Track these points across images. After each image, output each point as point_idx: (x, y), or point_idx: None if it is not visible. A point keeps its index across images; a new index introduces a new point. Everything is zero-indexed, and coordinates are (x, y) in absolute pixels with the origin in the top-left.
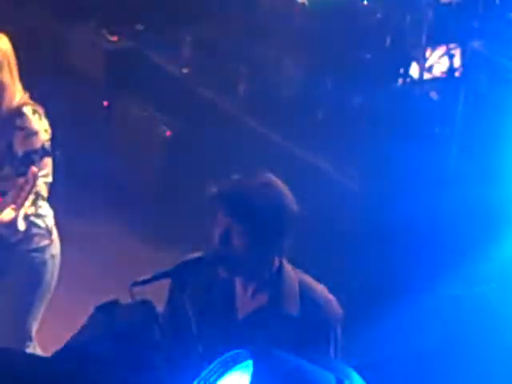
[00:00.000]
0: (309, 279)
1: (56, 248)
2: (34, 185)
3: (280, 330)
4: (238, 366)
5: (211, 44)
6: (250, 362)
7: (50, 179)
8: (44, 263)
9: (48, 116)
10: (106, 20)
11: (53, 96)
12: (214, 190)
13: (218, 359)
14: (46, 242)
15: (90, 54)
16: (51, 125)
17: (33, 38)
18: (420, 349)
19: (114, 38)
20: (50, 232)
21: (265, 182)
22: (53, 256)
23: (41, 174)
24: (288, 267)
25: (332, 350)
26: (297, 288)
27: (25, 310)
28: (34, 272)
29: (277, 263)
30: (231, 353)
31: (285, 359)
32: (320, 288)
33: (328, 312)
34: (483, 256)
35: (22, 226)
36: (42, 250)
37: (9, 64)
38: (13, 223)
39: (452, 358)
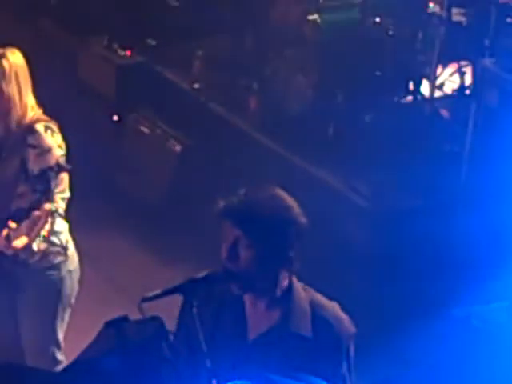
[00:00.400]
0: (320, 297)
1: (73, 263)
2: (46, 220)
3: (292, 349)
4: None
5: (222, 59)
6: None
7: (67, 194)
8: (61, 280)
9: (61, 130)
10: (117, 35)
11: (64, 110)
12: (221, 204)
13: None
14: (61, 258)
15: (101, 68)
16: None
17: (44, 52)
18: (432, 368)
19: (126, 53)
20: (65, 248)
21: (272, 195)
22: (70, 272)
23: (57, 190)
24: (298, 285)
25: (345, 369)
26: (308, 306)
27: (48, 327)
28: (52, 289)
29: (287, 281)
30: None
31: None
32: (331, 306)
33: (340, 330)
34: (495, 274)
35: (36, 247)
36: (58, 267)
37: (17, 78)
38: (27, 247)
39: (464, 378)
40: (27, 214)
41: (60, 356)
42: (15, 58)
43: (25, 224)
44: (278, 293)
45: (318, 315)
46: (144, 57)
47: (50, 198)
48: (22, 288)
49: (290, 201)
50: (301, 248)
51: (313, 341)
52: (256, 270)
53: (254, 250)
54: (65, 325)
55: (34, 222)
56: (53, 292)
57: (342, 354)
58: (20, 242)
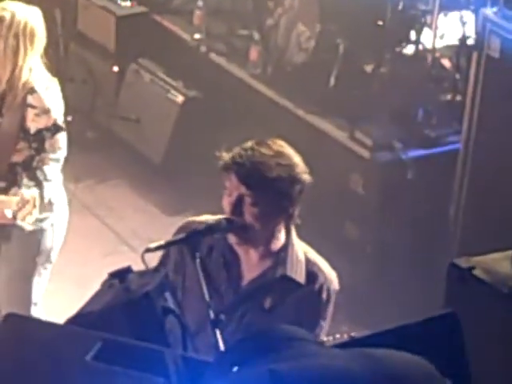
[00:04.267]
0: (313, 253)
1: (58, 217)
2: (35, 205)
3: (284, 292)
4: None
5: (223, 10)
6: None
7: (61, 154)
8: (42, 232)
9: (60, 82)
10: None
11: (64, 60)
12: (227, 157)
13: None
14: (45, 213)
15: (101, 19)
16: (63, 91)
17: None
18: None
19: (127, 3)
20: (50, 204)
21: (277, 151)
22: (52, 225)
23: (51, 149)
24: (296, 240)
25: (327, 320)
26: (303, 256)
27: (26, 278)
28: (32, 240)
29: (284, 234)
30: None
31: None
32: (323, 262)
33: (330, 285)
34: None
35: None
36: (41, 220)
37: (22, 36)
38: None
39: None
40: (23, 169)
41: (36, 311)
42: (24, 17)
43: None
44: (273, 246)
45: (310, 267)
46: (145, 7)
47: (42, 157)
48: (6, 237)
49: (296, 158)
50: (304, 202)
51: (303, 288)
52: (257, 224)
53: (257, 208)
54: (44, 281)
55: (24, 204)
56: (32, 243)
57: (327, 308)
58: (5, 216)
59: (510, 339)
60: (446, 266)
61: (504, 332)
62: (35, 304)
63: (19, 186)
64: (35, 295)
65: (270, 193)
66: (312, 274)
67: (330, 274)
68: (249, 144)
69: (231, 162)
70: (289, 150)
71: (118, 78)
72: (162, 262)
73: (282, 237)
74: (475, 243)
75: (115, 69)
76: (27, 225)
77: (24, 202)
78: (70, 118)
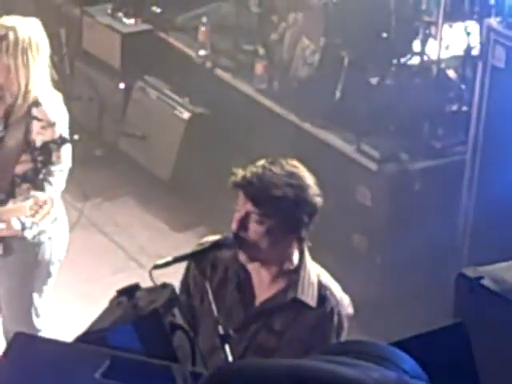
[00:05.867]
0: (326, 275)
1: (56, 230)
2: (52, 206)
3: (295, 315)
4: None
5: (228, 25)
6: None
7: (66, 166)
8: (39, 244)
9: (66, 101)
10: (122, 3)
11: (69, 79)
12: (239, 175)
13: None
14: (44, 227)
15: (106, 37)
16: (68, 108)
17: (49, 22)
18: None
19: (131, 21)
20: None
21: (290, 172)
22: (50, 238)
23: (57, 161)
24: (309, 261)
25: None
26: (315, 279)
27: (26, 292)
28: (31, 254)
29: (296, 255)
30: None
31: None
32: (335, 285)
33: (341, 309)
34: None
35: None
36: (39, 233)
37: (25, 50)
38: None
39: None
40: (22, 180)
41: (38, 324)
42: (27, 30)
43: (29, 207)
44: (286, 266)
45: (322, 292)
46: (149, 24)
47: (49, 170)
48: (6, 250)
49: (308, 179)
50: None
51: (314, 311)
52: (264, 243)
53: (263, 226)
54: (46, 293)
55: (40, 206)
56: (31, 256)
57: (338, 332)
58: (14, 225)
59: None
60: (455, 276)
61: None
62: (38, 316)
63: (14, 197)
64: (39, 309)
65: (276, 212)
66: (324, 297)
67: (341, 299)
68: (261, 162)
69: (241, 178)
70: (302, 172)
71: (124, 95)
72: (183, 283)
73: (295, 258)
74: (484, 253)
75: (121, 86)
76: (31, 234)
77: (41, 204)
78: (77, 137)
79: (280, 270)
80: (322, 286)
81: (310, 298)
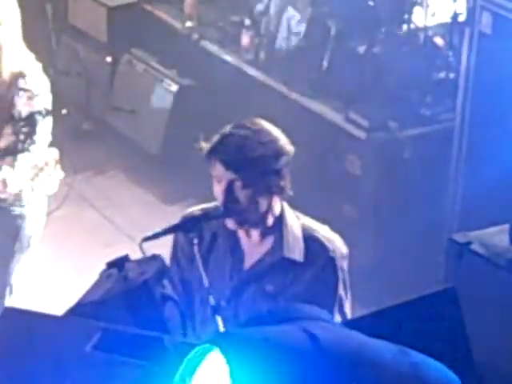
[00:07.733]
0: (311, 221)
1: (39, 204)
2: (55, 169)
3: (287, 273)
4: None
5: None
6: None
7: (48, 138)
8: (22, 217)
9: (53, 72)
10: None
11: (56, 54)
12: (207, 146)
13: (186, 358)
14: (27, 199)
15: (92, 10)
16: (56, 83)
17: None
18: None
19: None
20: (32, 189)
21: (256, 130)
22: (31, 211)
23: (41, 132)
24: (290, 212)
25: (341, 289)
26: (300, 231)
27: (5, 263)
28: (13, 226)
29: (279, 209)
30: (196, 349)
31: (250, 336)
32: (322, 228)
33: (333, 251)
34: None
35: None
36: (21, 205)
37: (8, 24)
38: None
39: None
40: (4, 154)
41: (8, 301)
42: (6, 4)
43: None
44: (271, 221)
45: (309, 239)
46: None
47: (34, 140)
48: None
49: (276, 132)
50: (300, 181)
51: (306, 264)
52: (253, 205)
53: (249, 190)
54: (21, 268)
55: (41, 169)
56: (13, 228)
57: (336, 275)
58: (15, 187)
59: (508, 310)
60: (445, 242)
61: (502, 304)
62: (10, 286)
63: None
64: (14, 287)
65: (258, 172)
66: (313, 247)
67: (332, 240)
68: (227, 129)
69: (213, 150)
70: (267, 126)
71: (111, 68)
72: (173, 254)
73: (277, 210)
74: (474, 219)
75: (108, 60)
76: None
77: (42, 166)
78: (64, 111)
79: (266, 227)
80: (309, 236)
81: (298, 253)
